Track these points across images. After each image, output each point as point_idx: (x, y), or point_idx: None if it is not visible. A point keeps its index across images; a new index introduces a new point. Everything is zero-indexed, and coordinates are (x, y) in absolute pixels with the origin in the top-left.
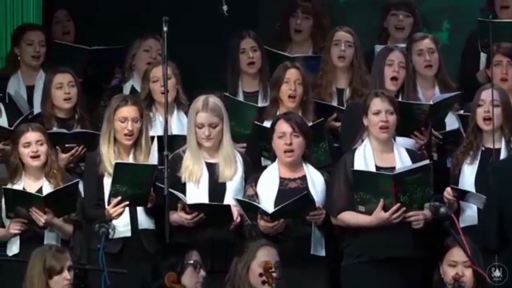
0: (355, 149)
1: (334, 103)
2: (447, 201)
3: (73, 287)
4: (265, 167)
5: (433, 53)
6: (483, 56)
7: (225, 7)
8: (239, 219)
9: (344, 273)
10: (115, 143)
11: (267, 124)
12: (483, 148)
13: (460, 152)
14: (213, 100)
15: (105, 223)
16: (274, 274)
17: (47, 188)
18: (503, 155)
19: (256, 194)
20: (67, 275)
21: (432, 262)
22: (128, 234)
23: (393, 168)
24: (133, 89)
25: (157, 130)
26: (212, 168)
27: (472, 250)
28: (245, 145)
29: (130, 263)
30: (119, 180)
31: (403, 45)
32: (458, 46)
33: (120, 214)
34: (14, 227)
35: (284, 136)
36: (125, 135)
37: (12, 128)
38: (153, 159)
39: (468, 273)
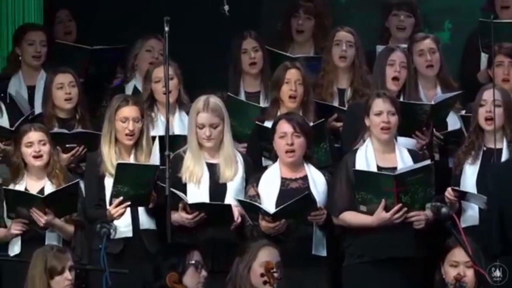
0: (357, 149)
1: (335, 103)
2: (449, 201)
3: (74, 287)
4: (266, 167)
5: (434, 53)
6: (483, 56)
7: (226, 7)
8: (239, 219)
9: (346, 273)
10: (116, 143)
11: (267, 124)
12: (485, 148)
13: (462, 152)
14: (214, 100)
15: (107, 223)
16: (275, 274)
17: (49, 188)
18: (504, 155)
19: (257, 195)
20: (68, 275)
21: (434, 262)
22: (130, 234)
23: (395, 168)
24: (135, 89)
25: (159, 130)
26: (212, 169)
27: (474, 250)
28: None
29: (131, 263)
30: (121, 181)
31: (405, 45)
32: (459, 46)
33: (122, 214)
34: (15, 228)
35: (286, 136)
36: (126, 135)
37: (13, 129)
38: (155, 159)
39: (469, 273)
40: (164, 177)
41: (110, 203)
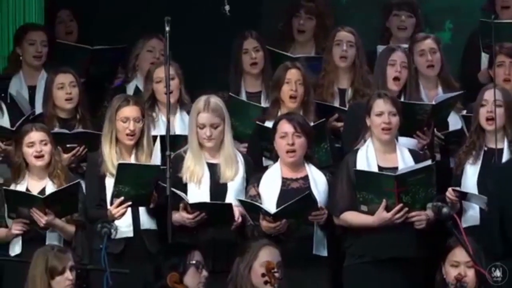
0: (358, 149)
1: (336, 103)
2: (450, 201)
3: (75, 287)
4: (267, 167)
5: (435, 53)
6: (484, 56)
7: (227, 7)
8: (240, 219)
9: (346, 273)
10: (117, 143)
11: (268, 124)
12: (486, 148)
13: (463, 152)
14: (215, 100)
15: (107, 223)
16: (276, 274)
17: (50, 188)
18: (505, 155)
19: (258, 195)
20: (69, 275)
21: (435, 262)
22: (130, 234)
23: (396, 168)
24: (137, 89)
25: (160, 130)
26: (213, 169)
27: (474, 250)
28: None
29: (132, 263)
30: (122, 181)
31: (406, 45)
32: (460, 46)
33: (123, 214)
34: (15, 228)
35: (286, 136)
36: (127, 135)
37: (14, 129)
38: (156, 159)
39: (470, 273)
40: (165, 177)
41: (111, 203)
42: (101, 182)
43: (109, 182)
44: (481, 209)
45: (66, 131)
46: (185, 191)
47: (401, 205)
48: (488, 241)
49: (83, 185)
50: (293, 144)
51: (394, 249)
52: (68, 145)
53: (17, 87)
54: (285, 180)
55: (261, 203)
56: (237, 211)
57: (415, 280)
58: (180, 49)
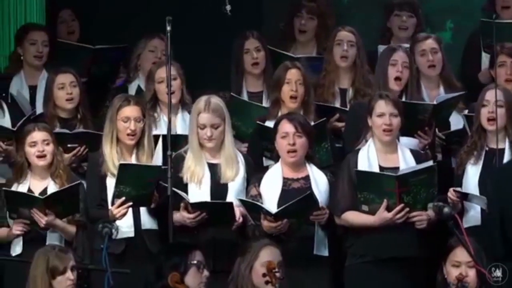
0: (359, 149)
1: (337, 103)
2: (451, 201)
3: (76, 287)
4: (267, 167)
5: (436, 53)
6: (484, 56)
7: (228, 7)
8: (241, 219)
9: (348, 273)
10: (118, 143)
11: (268, 124)
12: (487, 149)
13: (464, 152)
14: (215, 100)
15: (108, 223)
16: (277, 274)
17: (52, 188)
18: (507, 155)
19: (259, 194)
20: (70, 275)
21: (436, 262)
22: (131, 234)
23: (397, 169)
24: (139, 89)
25: (162, 130)
26: (214, 169)
27: (476, 250)
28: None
29: (133, 263)
30: (123, 181)
31: (407, 45)
32: (461, 46)
33: (124, 214)
34: (16, 228)
35: (287, 136)
36: (128, 135)
37: (15, 129)
38: (158, 159)
39: (471, 273)
40: (166, 177)
41: (112, 203)
42: (102, 182)
43: (110, 182)
44: (482, 210)
45: (67, 131)
46: (186, 192)
47: (402, 205)
48: (489, 242)
49: (84, 185)
50: (294, 144)
51: (395, 249)
52: (69, 145)
53: (18, 87)
54: (286, 180)
55: (262, 203)
56: (238, 211)
57: (416, 280)
58: (181, 49)
